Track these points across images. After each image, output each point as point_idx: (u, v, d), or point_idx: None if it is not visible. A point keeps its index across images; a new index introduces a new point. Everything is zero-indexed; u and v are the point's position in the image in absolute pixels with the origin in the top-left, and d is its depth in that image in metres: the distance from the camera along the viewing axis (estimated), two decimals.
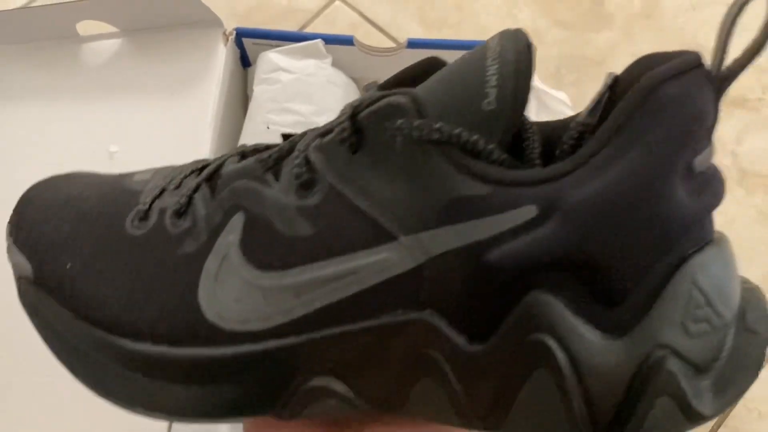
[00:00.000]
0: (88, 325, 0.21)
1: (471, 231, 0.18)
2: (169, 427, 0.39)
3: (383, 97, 0.19)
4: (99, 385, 0.22)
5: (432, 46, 0.48)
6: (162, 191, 0.23)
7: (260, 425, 0.23)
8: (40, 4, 0.68)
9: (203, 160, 0.24)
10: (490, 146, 0.18)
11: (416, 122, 0.18)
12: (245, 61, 0.52)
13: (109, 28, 0.51)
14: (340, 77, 0.49)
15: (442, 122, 0.18)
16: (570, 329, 0.18)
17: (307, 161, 0.20)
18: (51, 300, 0.22)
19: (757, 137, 0.58)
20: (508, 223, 0.17)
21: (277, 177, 0.20)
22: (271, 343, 0.20)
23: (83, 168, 0.47)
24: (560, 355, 0.18)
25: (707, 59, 0.18)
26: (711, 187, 0.18)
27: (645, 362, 0.18)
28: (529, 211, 0.17)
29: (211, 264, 0.20)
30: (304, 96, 0.47)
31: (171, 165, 0.25)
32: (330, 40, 0.49)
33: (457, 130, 0.18)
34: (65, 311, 0.22)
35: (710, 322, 0.18)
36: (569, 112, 0.41)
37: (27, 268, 0.23)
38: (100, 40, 0.52)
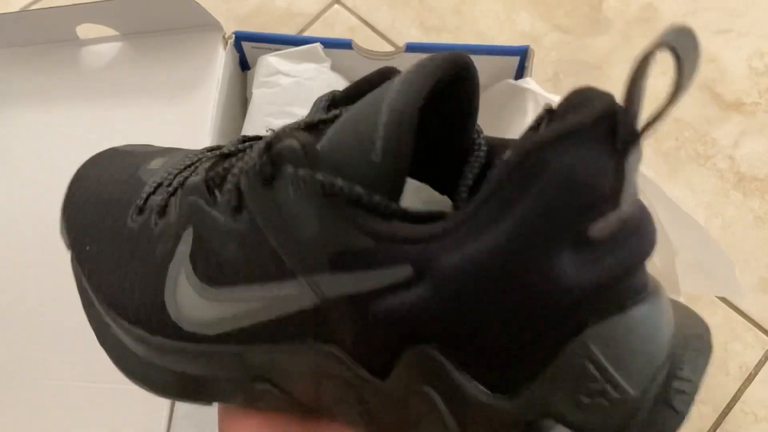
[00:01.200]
0: (105, 306, 0.24)
1: (358, 281, 0.18)
2: (168, 428, 0.39)
3: (288, 135, 0.19)
4: (112, 355, 0.25)
5: (430, 50, 0.48)
6: (157, 187, 0.25)
7: (232, 416, 0.25)
8: (40, 7, 0.68)
9: (211, 148, 0.26)
10: (376, 198, 0.18)
11: (301, 172, 0.18)
12: (244, 65, 0.53)
13: (109, 32, 0.52)
14: (339, 81, 0.50)
15: (326, 173, 0.18)
16: (454, 386, 0.18)
17: (237, 186, 0.20)
18: (82, 276, 0.26)
19: (753, 141, 0.58)
20: (389, 279, 0.17)
21: (220, 195, 0.21)
22: (220, 348, 0.22)
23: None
24: (444, 410, 0.18)
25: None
26: (619, 253, 0.17)
27: (530, 428, 0.17)
28: (405, 270, 0.17)
29: (172, 270, 0.22)
30: (303, 99, 0.47)
31: (183, 150, 0.28)
32: (329, 43, 0.49)
33: (339, 183, 0.18)
34: (88, 288, 0.25)
35: (607, 397, 0.17)
36: None
37: (68, 245, 0.27)
38: (100, 44, 0.52)
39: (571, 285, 0.16)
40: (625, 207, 0.16)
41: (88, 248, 0.25)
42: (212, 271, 0.21)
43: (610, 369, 0.17)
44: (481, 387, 0.18)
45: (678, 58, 0.14)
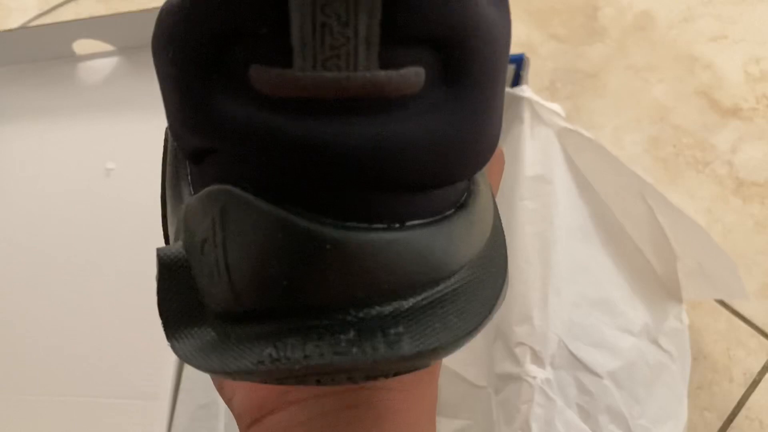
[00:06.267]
0: None
1: None
2: (169, 427, 0.39)
3: None
4: None
5: None
6: None
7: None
8: (37, 24, 0.68)
9: None
10: None
11: None
12: None
13: (106, 47, 0.52)
14: None
15: None
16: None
17: None
18: None
19: (751, 147, 0.58)
20: None
21: None
22: None
23: (79, 185, 0.48)
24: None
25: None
26: (289, 124, 0.13)
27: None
28: None
29: None
30: None
31: None
32: None
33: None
34: None
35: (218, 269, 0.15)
36: (563, 124, 0.41)
37: None
38: (97, 59, 0.52)
39: (217, 112, 0.14)
40: (310, 78, 0.13)
41: None
42: None
43: (220, 244, 0.14)
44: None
45: None
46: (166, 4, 0.14)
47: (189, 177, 0.17)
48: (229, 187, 0.14)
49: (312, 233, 0.13)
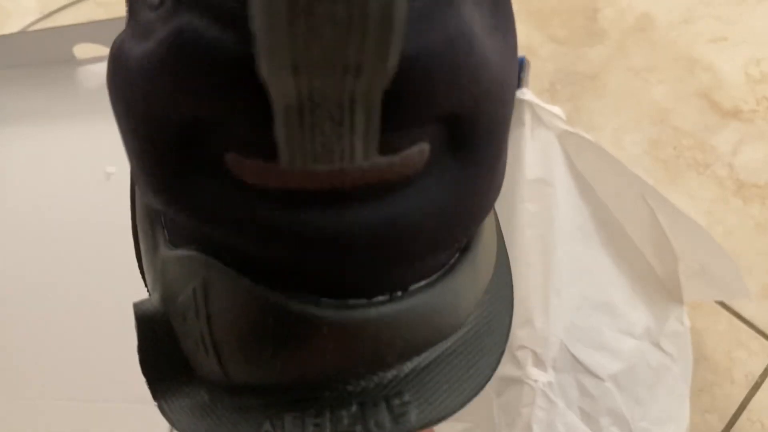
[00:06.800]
0: None
1: None
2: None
3: None
4: None
5: None
6: None
7: None
8: (38, 28, 0.68)
9: None
10: None
11: None
12: None
13: (106, 51, 0.52)
14: None
15: None
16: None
17: None
18: None
19: (752, 148, 0.58)
20: None
21: None
22: None
23: (79, 188, 0.47)
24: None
25: None
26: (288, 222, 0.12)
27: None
28: None
29: None
30: None
31: None
32: None
33: None
34: None
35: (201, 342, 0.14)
36: (564, 126, 0.41)
37: None
38: (97, 63, 0.52)
39: (190, 190, 0.12)
40: (299, 172, 0.11)
41: None
42: None
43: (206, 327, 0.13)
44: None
45: None
46: (117, 49, 0.12)
47: (163, 219, 0.15)
48: (211, 259, 0.12)
49: (306, 317, 0.12)
